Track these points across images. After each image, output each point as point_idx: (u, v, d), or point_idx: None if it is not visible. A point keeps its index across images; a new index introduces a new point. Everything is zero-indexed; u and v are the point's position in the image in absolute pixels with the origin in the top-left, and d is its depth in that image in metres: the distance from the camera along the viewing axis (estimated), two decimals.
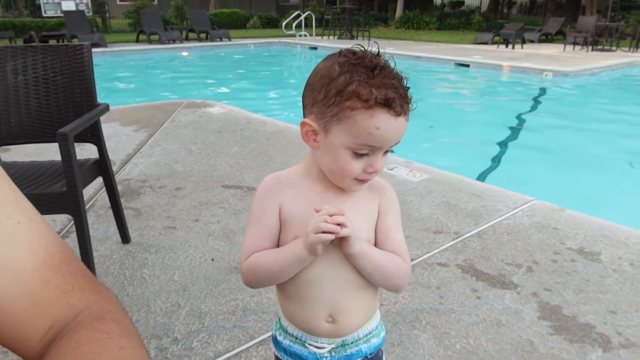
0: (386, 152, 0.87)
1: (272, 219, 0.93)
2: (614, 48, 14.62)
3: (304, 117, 0.88)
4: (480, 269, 2.27)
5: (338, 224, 0.82)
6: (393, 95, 0.79)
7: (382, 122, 0.80)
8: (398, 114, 0.81)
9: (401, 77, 0.83)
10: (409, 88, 0.84)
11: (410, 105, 0.84)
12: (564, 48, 14.89)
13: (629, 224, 2.79)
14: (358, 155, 0.83)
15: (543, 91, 9.11)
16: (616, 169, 5.00)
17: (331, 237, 0.83)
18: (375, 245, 0.94)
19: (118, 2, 25.60)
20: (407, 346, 1.75)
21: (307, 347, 0.97)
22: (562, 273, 2.25)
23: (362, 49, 0.85)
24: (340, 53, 0.85)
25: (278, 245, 0.94)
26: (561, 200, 3.17)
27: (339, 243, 0.86)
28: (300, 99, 0.90)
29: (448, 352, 1.72)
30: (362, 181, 0.88)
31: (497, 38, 16.21)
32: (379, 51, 0.85)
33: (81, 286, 0.55)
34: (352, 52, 0.84)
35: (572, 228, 2.69)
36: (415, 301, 2.02)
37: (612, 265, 2.32)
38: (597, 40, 14.80)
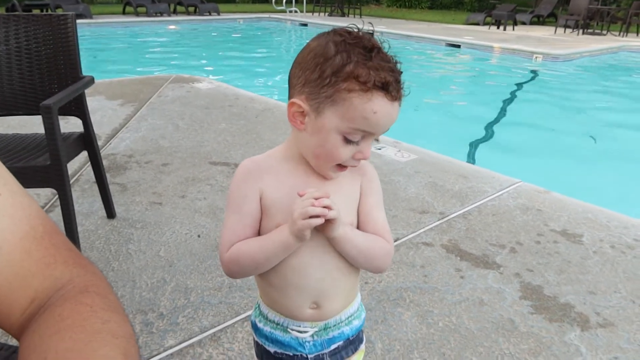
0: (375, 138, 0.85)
1: (253, 206, 0.89)
2: (604, 32, 14.64)
3: (292, 97, 0.84)
4: (464, 249, 2.30)
5: (324, 207, 0.80)
6: (390, 78, 0.77)
7: (378, 106, 0.77)
8: (394, 99, 0.79)
9: (396, 60, 0.81)
10: (402, 72, 0.82)
11: (403, 90, 0.81)
12: (555, 31, 14.87)
13: (612, 207, 2.84)
14: (348, 141, 0.81)
15: (533, 74, 9.13)
16: (602, 152, 5.06)
17: (320, 221, 0.80)
18: (358, 226, 0.93)
19: None
20: (390, 323, 1.78)
21: (290, 333, 0.95)
22: (544, 254, 2.29)
23: (357, 28, 0.82)
24: (335, 32, 0.81)
25: (259, 233, 0.91)
26: (547, 182, 3.21)
27: (322, 227, 0.83)
28: (288, 77, 0.87)
29: (431, 330, 1.75)
30: (343, 168, 0.86)
31: (488, 19, 16.13)
32: (373, 32, 0.82)
33: (64, 259, 0.55)
34: (348, 32, 0.80)
35: (556, 210, 2.73)
36: (400, 280, 2.04)
37: (593, 247, 2.36)
38: (588, 23, 14.79)
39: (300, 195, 0.82)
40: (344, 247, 0.88)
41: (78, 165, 3.11)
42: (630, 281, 2.10)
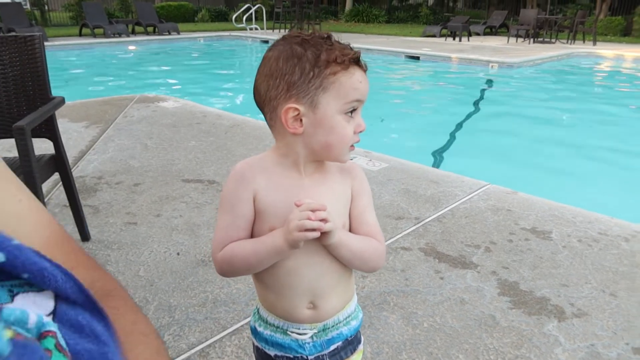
0: None
1: (246, 207, 0.90)
2: (553, 40, 15.34)
3: (275, 108, 0.86)
4: (441, 251, 2.36)
5: (321, 219, 0.82)
6: (358, 53, 0.87)
7: (360, 76, 0.86)
8: (366, 69, 0.89)
9: (349, 43, 0.90)
10: None
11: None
12: (508, 40, 15.48)
13: (575, 204, 2.97)
14: (349, 116, 0.87)
15: (490, 82, 9.46)
16: (557, 151, 5.28)
17: (316, 234, 0.82)
18: (350, 228, 0.96)
19: None
20: (377, 327, 1.81)
21: (289, 335, 0.97)
22: (517, 252, 2.37)
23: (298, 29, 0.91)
24: (287, 37, 0.87)
25: (252, 235, 0.92)
26: (512, 183, 3.33)
27: (319, 236, 0.85)
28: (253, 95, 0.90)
29: (416, 331, 1.79)
30: (352, 147, 0.91)
31: (444, 31, 16.64)
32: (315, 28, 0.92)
33: (84, 263, 0.56)
34: (299, 33, 0.88)
35: (525, 209, 2.84)
36: (383, 284, 2.08)
37: (562, 242, 2.46)
38: (538, 32, 15.47)
39: (298, 205, 0.83)
40: (339, 252, 0.90)
41: (46, 189, 3.03)
42: (599, 272, 2.20)
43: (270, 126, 0.91)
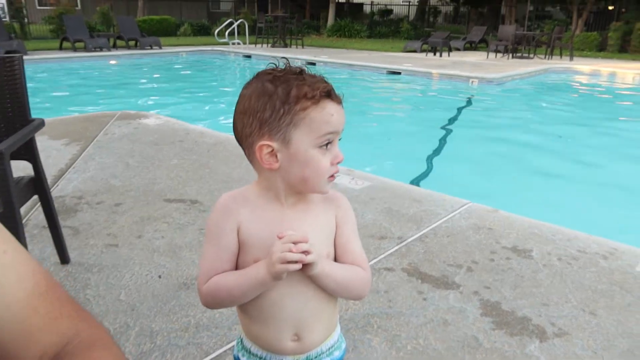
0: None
1: (230, 239, 0.92)
2: (531, 55, 15.68)
3: (252, 145, 0.88)
4: (424, 272, 2.37)
5: (302, 251, 0.83)
6: (329, 86, 0.87)
7: (332, 109, 0.87)
8: (339, 102, 0.89)
9: (322, 76, 0.91)
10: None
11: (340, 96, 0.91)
12: (487, 55, 15.77)
13: (554, 221, 3.02)
14: (324, 149, 0.87)
15: (470, 97, 9.61)
16: (538, 167, 5.37)
17: (298, 266, 0.83)
18: (335, 257, 0.97)
19: (37, 7, 24.23)
20: (361, 351, 1.80)
21: None
22: (499, 271, 2.40)
23: (274, 65, 0.91)
24: (261, 74, 0.89)
25: (237, 266, 0.93)
26: (492, 200, 3.38)
27: (302, 267, 0.86)
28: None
29: (400, 354, 1.79)
30: (332, 178, 0.91)
31: (425, 46, 16.90)
32: (287, 61, 0.92)
33: (69, 313, 0.55)
34: (271, 70, 0.89)
35: (505, 228, 2.88)
36: (366, 307, 2.08)
37: (542, 261, 2.50)
38: (516, 48, 15.81)
39: (280, 238, 0.84)
40: (323, 282, 0.91)
41: (24, 211, 2.98)
42: (579, 291, 2.23)
43: (250, 161, 0.93)
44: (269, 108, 0.85)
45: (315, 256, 0.84)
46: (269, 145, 0.86)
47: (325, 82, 0.88)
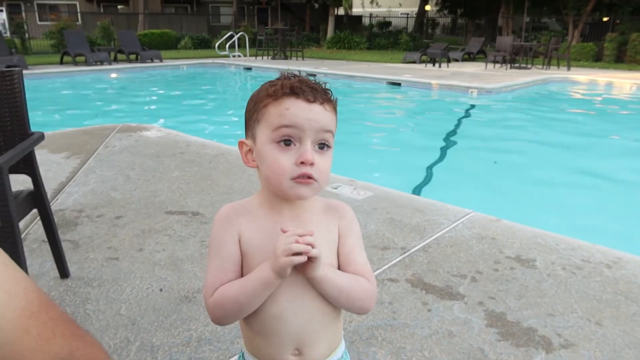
0: (322, 147, 0.87)
1: (232, 249, 0.91)
2: (529, 66, 15.74)
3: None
4: (428, 282, 2.35)
5: (307, 244, 0.82)
6: (299, 85, 0.86)
7: (290, 104, 0.85)
8: (310, 101, 0.85)
9: (318, 82, 0.89)
10: (329, 90, 0.90)
11: (332, 100, 0.89)
12: (486, 66, 15.84)
13: (557, 230, 3.00)
14: (282, 145, 0.85)
15: (470, 107, 9.63)
16: (538, 176, 5.35)
17: (303, 258, 0.81)
18: (339, 268, 0.95)
19: (38, 22, 24.40)
20: None
21: None
22: (503, 281, 2.37)
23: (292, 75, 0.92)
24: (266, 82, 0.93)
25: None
26: (494, 209, 3.36)
27: (303, 267, 0.84)
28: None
29: None
30: (301, 180, 0.85)
31: (424, 57, 17.00)
32: (299, 72, 0.92)
33: (62, 332, 0.53)
34: (282, 78, 0.90)
35: (509, 237, 2.86)
36: (370, 318, 2.05)
37: (546, 271, 2.48)
38: (514, 58, 15.89)
39: (284, 232, 0.84)
40: (325, 288, 0.89)
41: (24, 224, 2.96)
42: (584, 300, 2.21)
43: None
44: (248, 110, 0.91)
45: (319, 251, 0.83)
46: (245, 144, 0.92)
47: (304, 82, 0.87)
